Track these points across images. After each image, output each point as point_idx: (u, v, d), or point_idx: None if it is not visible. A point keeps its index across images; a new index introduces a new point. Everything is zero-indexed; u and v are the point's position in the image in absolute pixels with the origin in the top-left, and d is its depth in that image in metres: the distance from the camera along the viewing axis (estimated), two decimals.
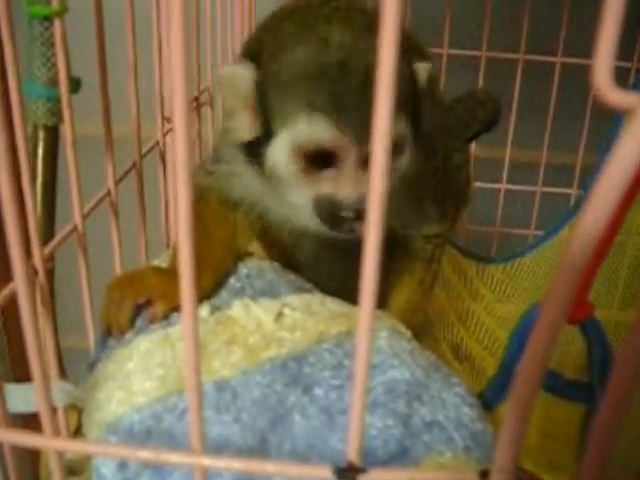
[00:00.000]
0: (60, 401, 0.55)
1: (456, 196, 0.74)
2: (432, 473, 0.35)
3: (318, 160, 0.54)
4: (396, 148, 0.56)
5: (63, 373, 0.60)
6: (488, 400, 0.61)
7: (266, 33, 0.58)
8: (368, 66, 0.50)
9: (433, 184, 0.67)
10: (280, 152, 0.55)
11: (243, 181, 0.62)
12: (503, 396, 0.62)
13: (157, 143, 0.75)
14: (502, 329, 0.96)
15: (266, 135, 0.56)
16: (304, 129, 0.53)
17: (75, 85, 0.58)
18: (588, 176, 1.10)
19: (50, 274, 0.53)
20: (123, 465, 0.46)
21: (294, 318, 0.53)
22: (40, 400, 0.35)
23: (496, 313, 1.00)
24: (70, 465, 0.56)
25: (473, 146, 1.18)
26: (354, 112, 0.52)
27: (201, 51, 0.88)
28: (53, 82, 0.62)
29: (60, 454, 0.36)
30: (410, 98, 0.56)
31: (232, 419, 0.45)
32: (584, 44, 1.16)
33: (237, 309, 0.54)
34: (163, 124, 0.77)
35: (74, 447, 0.37)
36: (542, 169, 1.24)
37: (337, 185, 0.55)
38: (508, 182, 1.26)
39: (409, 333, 0.56)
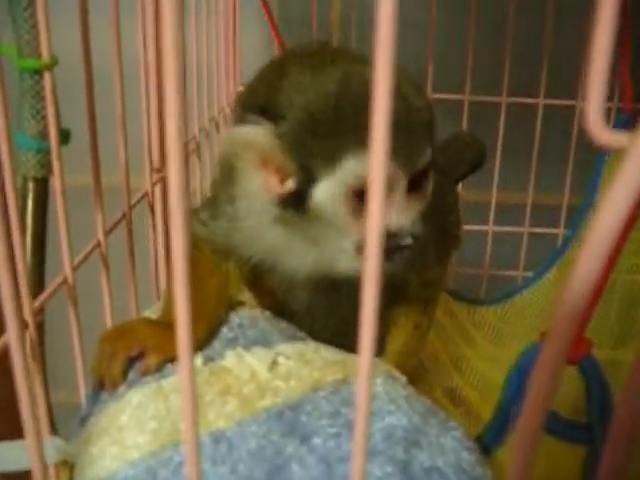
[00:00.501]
0: (51, 457, 0.53)
1: (449, 238, 0.74)
2: None
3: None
4: (427, 175, 0.57)
5: (54, 429, 0.59)
6: (486, 444, 0.61)
7: (271, 84, 0.56)
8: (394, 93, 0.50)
9: (434, 225, 0.67)
10: (328, 197, 0.53)
11: (250, 234, 0.60)
12: (501, 439, 0.62)
13: (146, 194, 0.75)
14: (496, 372, 0.95)
15: (304, 185, 0.54)
16: (356, 169, 0.52)
17: (64, 136, 0.58)
18: (576, 216, 1.11)
19: (40, 327, 0.52)
20: None
21: (288, 367, 0.53)
22: (33, 456, 0.34)
23: (489, 356, 1.00)
24: None
25: (460, 189, 1.19)
26: (399, 140, 0.53)
27: (187, 100, 0.89)
28: (43, 134, 0.63)
29: None
30: (432, 131, 0.57)
31: (228, 471, 0.44)
32: (565, 85, 1.19)
33: (230, 359, 0.53)
34: (152, 175, 0.77)
35: None
36: (528, 210, 1.25)
37: (389, 216, 0.53)
38: (495, 224, 1.26)
39: (404, 378, 0.56)
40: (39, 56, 0.56)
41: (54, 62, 0.52)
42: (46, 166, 0.64)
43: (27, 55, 0.59)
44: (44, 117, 0.60)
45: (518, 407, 0.59)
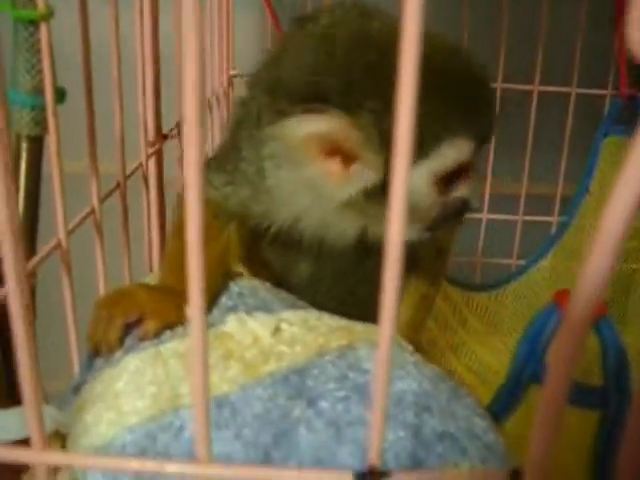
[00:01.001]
0: (45, 426, 0.51)
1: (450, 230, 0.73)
2: (459, 474, 0.33)
3: (452, 175, 0.54)
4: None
5: (45, 399, 0.56)
6: (495, 414, 0.59)
7: (324, 68, 0.52)
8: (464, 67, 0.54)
9: None
10: (418, 182, 0.53)
11: (285, 202, 0.59)
12: (511, 409, 0.60)
13: (140, 164, 0.73)
14: (493, 357, 0.94)
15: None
16: (447, 154, 0.52)
17: (60, 95, 0.56)
18: (571, 201, 1.10)
19: (32, 292, 0.50)
20: None
21: (292, 332, 0.51)
22: (29, 407, 0.32)
23: (486, 341, 0.99)
24: None
25: None
26: (479, 121, 0.54)
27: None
28: (38, 90, 0.60)
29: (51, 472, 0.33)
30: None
31: (233, 435, 0.42)
32: (560, 72, 1.18)
33: (232, 324, 0.51)
34: (147, 147, 0.75)
35: (67, 460, 0.34)
36: (522, 197, 1.24)
37: (467, 189, 0.56)
38: (489, 213, 1.25)
39: (411, 347, 0.54)
40: (34, 6, 0.54)
41: (50, 12, 0.50)
42: (41, 124, 0.62)
43: (22, 6, 0.57)
44: (39, 72, 0.58)
45: (529, 375, 0.58)
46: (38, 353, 0.54)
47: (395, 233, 0.24)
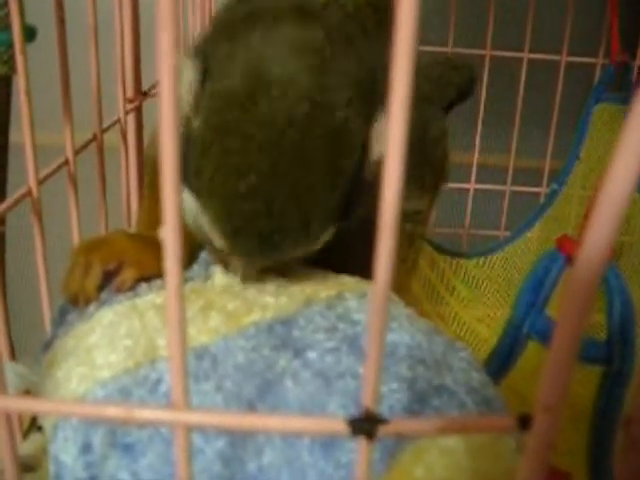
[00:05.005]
0: (12, 385, 0.48)
1: (435, 170, 0.70)
2: (462, 419, 0.30)
3: None
4: None
5: (14, 356, 0.53)
6: (493, 371, 0.57)
7: None
8: None
9: (410, 156, 0.63)
10: None
11: None
12: (509, 365, 0.58)
13: (119, 120, 0.69)
14: (481, 325, 0.92)
15: None
16: None
17: (30, 33, 0.52)
18: (562, 169, 1.08)
19: (1, 239, 0.47)
20: (86, 447, 0.40)
21: (277, 284, 0.48)
22: None
23: (474, 310, 0.97)
24: (24, 461, 0.49)
25: None
26: None
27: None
28: (4, 25, 0.57)
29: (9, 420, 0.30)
30: None
31: (214, 388, 0.39)
32: (550, 40, 1.16)
33: (215, 276, 0.49)
34: (125, 103, 0.72)
35: (25, 406, 0.30)
36: (511, 166, 1.21)
37: None
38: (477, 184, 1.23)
39: (402, 301, 0.52)
40: None
41: None
42: (8, 62, 0.58)
43: None
44: (5, 3, 0.54)
45: (529, 327, 0.55)
46: (8, 307, 0.51)
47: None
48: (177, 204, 0.24)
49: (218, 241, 0.45)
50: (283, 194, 0.42)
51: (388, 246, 0.23)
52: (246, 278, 0.48)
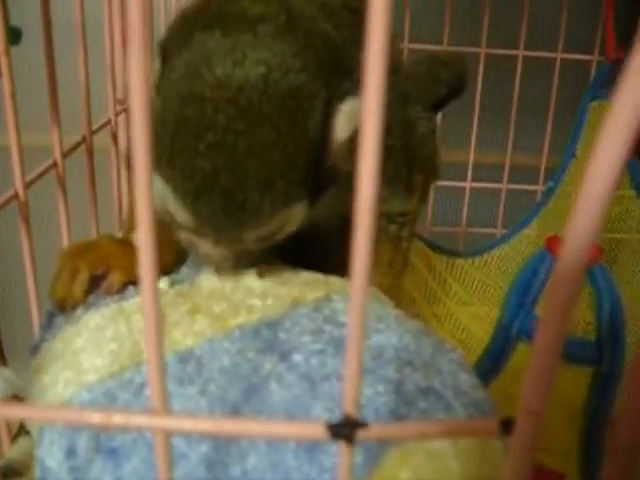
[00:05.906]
0: (0, 390, 0.48)
1: (424, 169, 0.68)
2: (445, 424, 0.30)
3: None
4: None
5: (3, 361, 0.53)
6: (483, 373, 0.56)
7: None
8: None
9: (393, 158, 0.61)
10: None
11: None
12: (499, 367, 0.57)
13: (109, 121, 0.69)
14: (477, 325, 0.91)
15: None
16: None
17: (15, 36, 0.52)
18: (558, 167, 1.07)
19: None
20: (71, 452, 0.40)
21: (264, 287, 0.47)
22: None
23: (469, 309, 0.96)
24: (11, 466, 0.49)
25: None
26: None
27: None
28: None
29: None
30: None
31: (198, 391, 0.39)
32: (545, 38, 1.15)
33: (203, 278, 0.48)
34: (115, 104, 0.72)
35: (6, 412, 0.30)
36: (507, 165, 1.21)
37: None
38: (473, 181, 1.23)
39: (391, 303, 0.51)
40: None
41: None
42: None
43: None
44: None
45: (518, 328, 0.55)
46: None
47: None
48: (150, 205, 0.23)
49: (182, 215, 0.45)
50: (243, 150, 0.42)
51: (365, 245, 0.23)
52: (220, 268, 0.48)
